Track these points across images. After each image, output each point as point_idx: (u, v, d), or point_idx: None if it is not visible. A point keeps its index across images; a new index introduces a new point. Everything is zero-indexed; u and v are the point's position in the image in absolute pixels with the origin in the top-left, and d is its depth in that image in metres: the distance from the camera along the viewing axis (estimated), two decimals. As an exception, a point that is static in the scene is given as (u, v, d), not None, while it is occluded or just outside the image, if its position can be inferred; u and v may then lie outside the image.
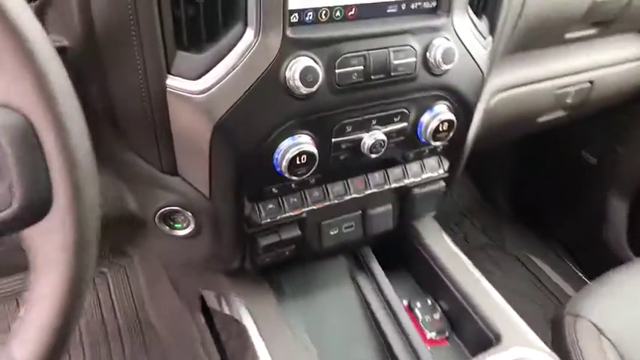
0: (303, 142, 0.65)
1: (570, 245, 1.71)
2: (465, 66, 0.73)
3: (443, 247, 0.96)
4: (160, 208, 0.73)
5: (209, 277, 0.95)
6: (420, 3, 0.68)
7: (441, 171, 0.87)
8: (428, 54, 0.68)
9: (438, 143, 0.77)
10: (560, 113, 1.18)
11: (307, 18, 0.61)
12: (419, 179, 0.85)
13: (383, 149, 0.73)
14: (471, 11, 0.72)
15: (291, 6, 0.59)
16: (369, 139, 0.71)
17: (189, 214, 0.73)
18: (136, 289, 1.39)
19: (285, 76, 0.59)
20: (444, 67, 0.69)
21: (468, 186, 1.92)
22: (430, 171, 0.86)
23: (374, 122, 0.71)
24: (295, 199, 0.76)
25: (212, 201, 0.69)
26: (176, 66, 0.58)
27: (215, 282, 0.93)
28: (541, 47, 1.01)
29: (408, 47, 0.66)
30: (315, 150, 0.66)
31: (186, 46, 0.58)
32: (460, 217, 1.87)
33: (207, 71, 0.58)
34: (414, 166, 0.84)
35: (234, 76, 0.58)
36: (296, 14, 0.60)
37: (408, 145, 0.78)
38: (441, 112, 0.74)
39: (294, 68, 0.59)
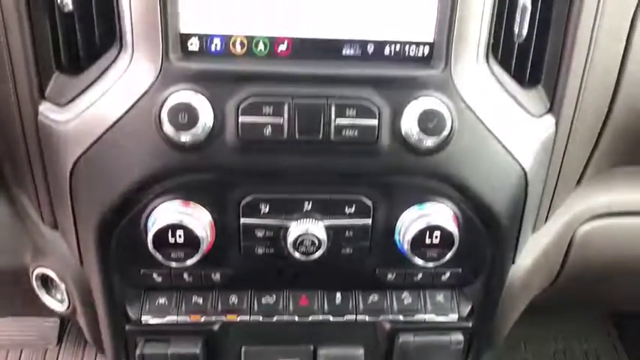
0: (187, 214, 0.49)
1: None
2: (483, 148, 0.48)
3: None
4: (38, 266, 0.63)
5: None
6: (402, 46, 0.47)
7: (454, 315, 0.59)
8: (401, 119, 0.46)
9: (429, 264, 0.51)
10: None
11: (213, 47, 0.47)
12: (411, 318, 0.58)
13: (320, 251, 0.50)
14: (495, 66, 0.48)
15: (183, 29, 0.46)
16: (296, 229, 0.50)
17: (62, 285, 0.62)
18: None
19: (159, 115, 0.46)
20: (428, 140, 0.46)
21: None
22: (434, 310, 0.58)
23: (308, 205, 0.50)
24: (199, 300, 0.58)
25: (84, 269, 0.58)
26: (52, 89, 0.50)
27: None
28: None
29: (365, 103, 0.45)
30: (201, 229, 0.49)
31: (66, 67, 0.50)
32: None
33: (78, 96, 0.49)
34: (406, 296, 0.59)
35: (100, 106, 0.48)
36: (195, 40, 0.47)
37: (384, 257, 0.54)
38: (431, 214, 0.49)
39: (168, 104, 0.45)
